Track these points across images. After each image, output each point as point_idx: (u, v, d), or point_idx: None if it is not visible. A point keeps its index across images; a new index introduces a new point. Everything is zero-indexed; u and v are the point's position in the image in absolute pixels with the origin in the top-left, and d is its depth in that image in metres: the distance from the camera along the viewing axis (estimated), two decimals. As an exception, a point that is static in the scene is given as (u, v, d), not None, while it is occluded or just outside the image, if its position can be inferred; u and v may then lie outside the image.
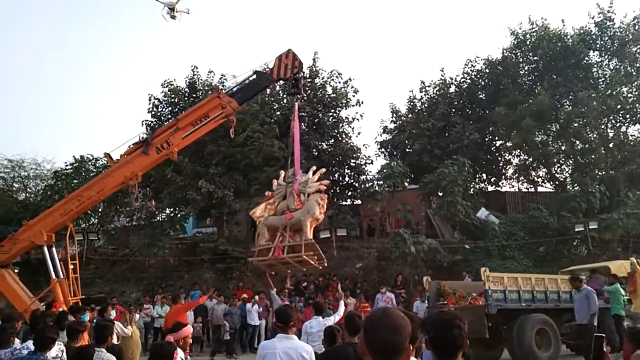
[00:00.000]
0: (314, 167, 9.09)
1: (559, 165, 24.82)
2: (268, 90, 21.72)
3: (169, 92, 22.08)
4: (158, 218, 22.20)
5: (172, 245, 20.57)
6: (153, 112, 22.17)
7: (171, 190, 20.45)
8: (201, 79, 22.37)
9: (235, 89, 10.67)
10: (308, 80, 22.31)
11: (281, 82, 13.39)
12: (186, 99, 21.94)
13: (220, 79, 21.75)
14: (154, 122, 21.54)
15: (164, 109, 22.04)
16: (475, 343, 11.54)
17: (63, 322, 6.21)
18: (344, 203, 23.67)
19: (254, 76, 10.39)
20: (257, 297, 16.24)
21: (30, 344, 4.54)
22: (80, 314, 7.82)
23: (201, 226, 25.15)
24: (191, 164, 20.46)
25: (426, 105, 26.95)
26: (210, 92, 20.67)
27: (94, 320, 8.18)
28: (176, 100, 21.87)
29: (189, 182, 20.21)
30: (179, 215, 21.67)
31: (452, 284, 12.70)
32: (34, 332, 4.32)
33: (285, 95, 21.85)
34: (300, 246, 7.91)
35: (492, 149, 26.31)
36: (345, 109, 23.07)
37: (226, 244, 20.81)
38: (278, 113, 21.89)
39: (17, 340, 5.21)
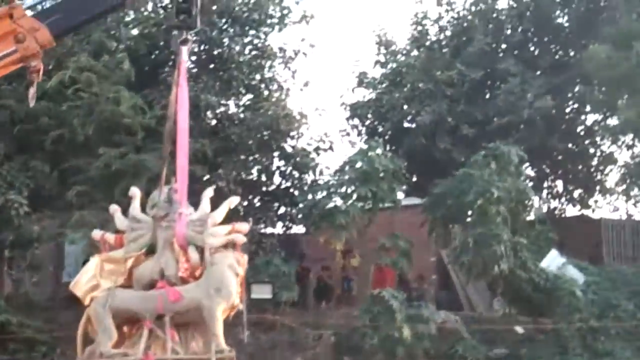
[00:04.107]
0: (210, 191, 7.67)
1: None
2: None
3: None
4: None
5: None
6: None
7: None
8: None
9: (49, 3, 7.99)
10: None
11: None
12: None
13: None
14: None
15: None
16: None
17: None
18: (269, 230, 22.02)
19: None
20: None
21: None
22: None
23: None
24: None
25: (449, 33, 25.40)
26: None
27: None
28: None
29: None
30: None
31: None
32: None
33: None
34: (202, 364, 8.22)
35: (580, 129, 24.61)
36: (279, 31, 21.02)
37: (7, 311, 18.35)
38: (134, 32, 20.08)
39: None
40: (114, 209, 7.74)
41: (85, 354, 7.06)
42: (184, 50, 7.50)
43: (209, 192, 7.69)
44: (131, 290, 7.17)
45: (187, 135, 7.32)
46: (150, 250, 7.32)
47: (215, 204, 7.85)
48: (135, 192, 7.77)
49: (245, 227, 7.55)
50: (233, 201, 7.68)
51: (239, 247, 7.25)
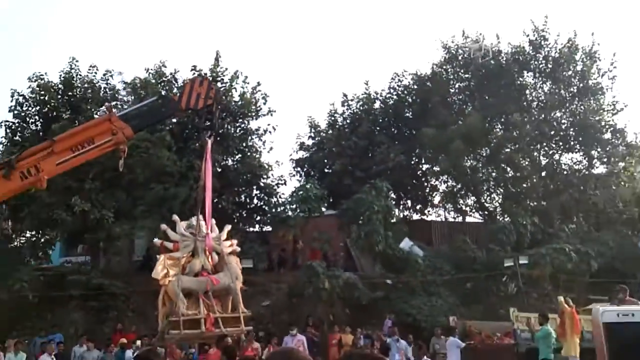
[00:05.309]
0: (228, 226, 10.75)
1: (488, 193, 31.18)
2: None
3: (37, 88, 25.79)
4: (16, 243, 25.78)
5: (33, 277, 23.09)
6: (16, 112, 25.76)
7: (34, 208, 23.33)
8: (80, 75, 26.74)
9: (131, 112, 11.46)
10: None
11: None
12: (59, 97, 26.25)
13: (104, 75, 27.17)
14: (17, 124, 25.78)
15: (30, 108, 26.05)
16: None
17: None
18: (251, 229, 28.08)
19: (159, 101, 11.66)
20: (139, 342, 18.16)
21: None
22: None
23: (71, 254, 28.93)
24: (61, 176, 21.50)
25: (349, 121, 32.50)
26: (89, 91, 26.02)
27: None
28: (47, 98, 25.91)
29: (58, 199, 23.10)
30: (42, 240, 24.98)
31: (477, 324, 17.44)
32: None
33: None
34: (235, 319, 9.08)
35: (419, 173, 32.70)
36: (255, 119, 27.80)
37: (102, 276, 23.84)
38: (174, 120, 25.63)
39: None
40: (164, 227, 9.45)
41: (172, 315, 8.59)
42: (209, 142, 9.84)
43: (227, 227, 9.65)
44: (189, 277, 8.87)
45: (210, 193, 9.42)
46: (192, 253, 9.11)
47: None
48: (176, 218, 9.41)
49: (235, 242, 9.65)
50: (228, 227, 9.79)
51: (235, 253, 9.26)
